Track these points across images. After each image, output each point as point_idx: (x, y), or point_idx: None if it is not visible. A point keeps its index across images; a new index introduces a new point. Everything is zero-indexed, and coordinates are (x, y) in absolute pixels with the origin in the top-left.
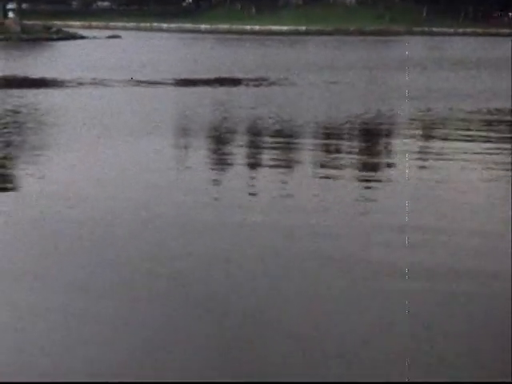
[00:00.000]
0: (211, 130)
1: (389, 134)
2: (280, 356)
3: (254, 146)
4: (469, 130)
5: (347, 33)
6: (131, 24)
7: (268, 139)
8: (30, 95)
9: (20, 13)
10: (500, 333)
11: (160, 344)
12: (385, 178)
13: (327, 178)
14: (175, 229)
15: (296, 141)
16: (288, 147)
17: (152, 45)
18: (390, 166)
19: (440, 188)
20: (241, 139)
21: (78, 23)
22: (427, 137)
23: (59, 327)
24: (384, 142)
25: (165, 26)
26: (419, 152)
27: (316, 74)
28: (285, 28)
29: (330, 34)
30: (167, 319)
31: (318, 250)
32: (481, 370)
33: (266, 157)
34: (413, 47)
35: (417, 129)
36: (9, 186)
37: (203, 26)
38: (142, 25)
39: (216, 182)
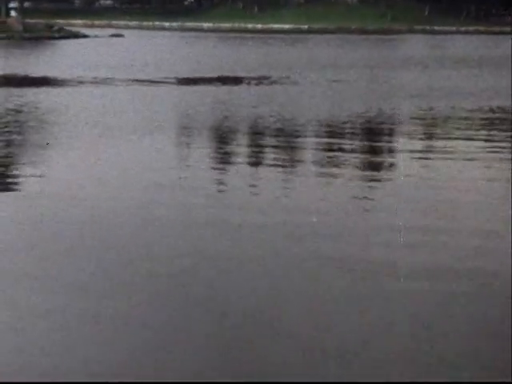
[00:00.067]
0: (213, 129)
1: (390, 133)
2: (280, 356)
3: (256, 145)
4: (470, 128)
5: (349, 31)
6: (134, 23)
7: (269, 138)
8: (31, 94)
9: (22, 11)
10: (500, 333)
11: (160, 344)
12: (386, 177)
13: (328, 177)
14: (175, 228)
15: (297, 140)
16: (289, 146)
17: (154, 43)
18: (390, 164)
19: (441, 187)
20: (242, 138)
21: (80, 22)
22: (428, 135)
23: (59, 327)
24: (385, 141)
25: (167, 24)
26: (420, 151)
27: (318, 73)
28: (287, 26)
29: (331, 32)
30: (167, 319)
31: (318, 249)
32: (481, 370)
33: (268, 156)
34: (415, 46)
35: (418, 127)
36: (10, 185)
37: (205, 25)
38: (145, 23)
39: (217, 182)
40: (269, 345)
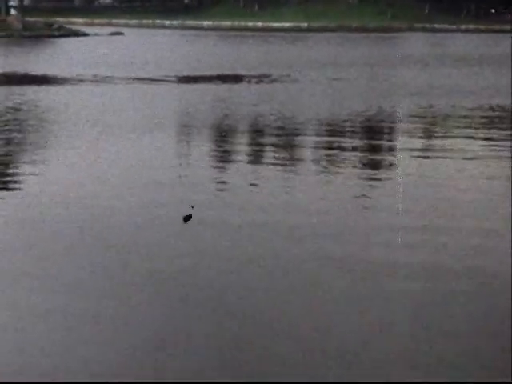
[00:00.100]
0: (213, 127)
1: (390, 131)
2: (280, 356)
3: (256, 144)
4: (470, 126)
5: (349, 29)
6: (134, 21)
7: (269, 136)
8: (31, 92)
9: (22, 10)
10: (500, 333)
11: (160, 344)
12: (385, 175)
13: (328, 175)
14: (175, 228)
15: (297, 138)
16: (289, 144)
17: (154, 42)
18: (390, 163)
19: (440, 185)
20: (242, 136)
21: (80, 20)
22: (428, 133)
23: (59, 327)
24: (385, 139)
25: (167, 22)
26: (420, 149)
27: (318, 71)
28: (287, 25)
29: (331, 30)
30: (167, 319)
31: (318, 249)
32: (481, 370)
33: (268, 154)
34: (415, 44)
35: (418, 125)
36: (9, 184)
37: (206, 23)
38: (145, 22)
39: (217, 180)
40: (269, 345)
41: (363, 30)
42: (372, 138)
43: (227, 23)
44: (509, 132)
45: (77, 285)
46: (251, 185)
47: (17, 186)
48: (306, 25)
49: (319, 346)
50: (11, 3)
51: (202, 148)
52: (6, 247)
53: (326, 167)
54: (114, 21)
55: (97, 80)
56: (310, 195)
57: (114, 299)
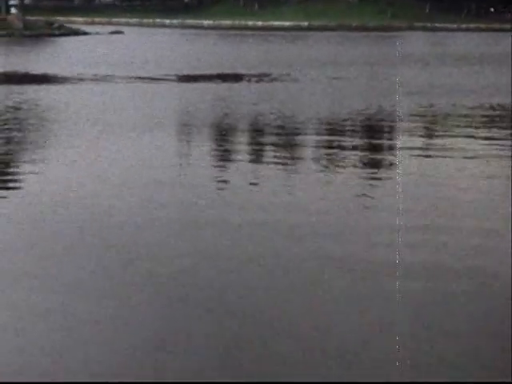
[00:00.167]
0: (213, 126)
1: (391, 130)
2: (280, 356)
3: (256, 143)
4: (471, 126)
5: (349, 28)
6: (134, 20)
7: (270, 135)
8: (31, 91)
9: (22, 8)
10: (500, 333)
11: (160, 344)
12: (386, 175)
13: (328, 175)
14: (176, 228)
15: (298, 137)
16: (290, 144)
17: (155, 41)
18: (391, 162)
19: (441, 184)
20: (242, 135)
21: (80, 19)
22: (429, 133)
23: (59, 327)
24: (386, 138)
25: (167, 21)
26: (420, 148)
27: (318, 70)
28: (287, 24)
29: (332, 29)
30: (167, 319)
31: (319, 249)
32: (481, 370)
33: (268, 153)
34: (415, 43)
35: (419, 124)
36: (9, 183)
37: (206, 22)
38: (145, 21)
39: (217, 179)
40: (269, 345)
41: (363, 28)
42: (372, 137)
43: (227, 22)
44: (509, 131)
45: (77, 284)
46: (251, 184)
47: (17, 185)
48: (306, 24)
49: (319, 345)
50: (12, 2)
51: (202, 147)
52: (6, 246)
53: (326, 166)
54: (115, 20)
55: (97, 79)
56: (310, 194)
57: (114, 299)
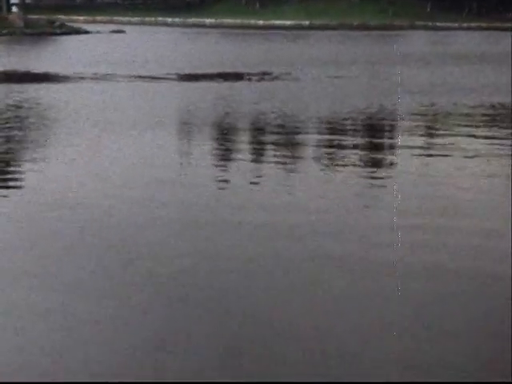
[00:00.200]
0: (214, 126)
1: (392, 129)
2: (280, 356)
3: (257, 142)
4: (472, 125)
5: (351, 27)
6: (135, 19)
7: (270, 135)
8: (32, 90)
9: (24, 7)
10: (500, 333)
11: (160, 344)
12: (387, 174)
13: (329, 174)
14: (176, 228)
15: (298, 136)
16: (291, 143)
17: (156, 39)
18: (391, 162)
19: (441, 184)
20: (243, 134)
21: (81, 18)
22: (430, 132)
23: (59, 327)
24: (387, 137)
25: (169, 20)
26: (421, 147)
27: (319, 69)
28: (288, 22)
29: (333, 28)
30: (167, 319)
31: (318, 249)
32: (481, 370)
33: (269, 152)
34: (416, 42)
35: (420, 123)
36: (10, 182)
37: (207, 21)
38: (147, 19)
39: (218, 179)
40: (269, 345)
41: (364, 27)
42: (373, 136)
43: (229, 21)
44: (510, 130)
45: (76, 284)
46: (252, 183)
47: (17, 183)
48: (307, 22)
49: (319, 345)
50: (13, 1)
51: (203, 146)
52: (6, 246)
53: (326, 165)
54: (116, 18)
55: (98, 78)
56: (310, 194)
57: (114, 299)
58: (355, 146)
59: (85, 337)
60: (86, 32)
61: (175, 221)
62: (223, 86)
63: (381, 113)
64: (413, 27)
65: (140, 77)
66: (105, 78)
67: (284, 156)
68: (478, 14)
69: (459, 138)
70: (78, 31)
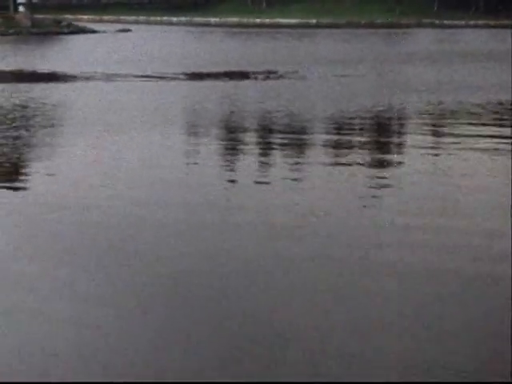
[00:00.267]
0: (219, 125)
1: (398, 128)
2: (280, 356)
3: (262, 142)
4: (478, 123)
5: (358, 26)
6: (141, 18)
7: (276, 134)
8: (38, 89)
9: (30, 7)
10: (500, 333)
11: (160, 344)
12: (390, 174)
13: (335, 174)
14: (177, 228)
15: (304, 136)
16: (296, 143)
17: (162, 38)
18: (396, 161)
19: (448, 184)
20: (249, 134)
21: (88, 17)
22: (437, 130)
23: (59, 327)
24: (393, 136)
25: (175, 19)
26: (428, 146)
27: (326, 67)
28: (295, 21)
29: (340, 27)
30: (167, 319)
31: (319, 249)
32: (481, 370)
33: (274, 152)
34: (423, 40)
35: (427, 122)
36: (12, 182)
37: (213, 20)
38: (152, 18)
39: (222, 179)
40: (269, 345)
41: (371, 26)
42: (380, 135)
43: (235, 20)
44: None
45: (76, 284)
46: (256, 183)
47: (22, 185)
48: (314, 21)
49: (319, 345)
50: (20, 0)
51: (209, 146)
52: (6, 247)
53: (331, 165)
54: (122, 17)
55: (105, 77)
56: (314, 194)
57: (114, 299)
58: (362, 146)
59: (85, 337)
60: (93, 31)
61: (176, 222)
62: (229, 85)
63: (388, 111)
64: (420, 25)
65: (146, 76)
66: (111, 77)
67: (290, 155)
68: (485, 12)
69: (466, 137)
70: (84, 30)
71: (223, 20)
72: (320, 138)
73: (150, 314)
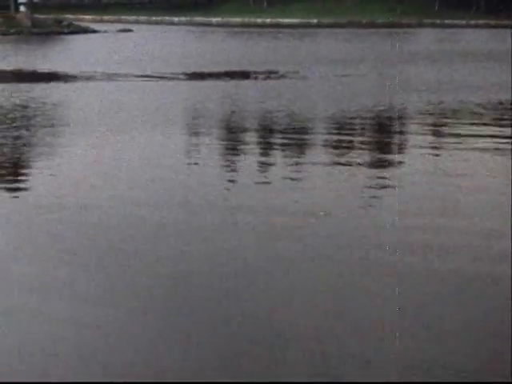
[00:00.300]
0: (220, 125)
1: (399, 128)
2: (280, 356)
3: (262, 141)
4: (479, 123)
5: (359, 25)
6: (143, 18)
7: (277, 134)
8: (39, 89)
9: (31, 6)
10: (500, 333)
11: (160, 344)
12: (391, 174)
13: (336, 174)
14: (177, 228)
15: (305, 135)
16: (297, 143)
17: (163, 38)
18: (397, 161)
19: (448, 184)
20: (249, 134)
21: (89, 17)
22: (437, 130)
23: (60, 327)
24: (393, 136)
25: (176, 19)
26: (429, 146)
27: (327, 67)
28: (296, 21)
29: (341, 26)
30: (167, 319)
31: (319, 249)
32: (481, 370)
33: (275, 152)
34: (424, 40)
35: (427, 121)
36: (15, 182)
37: (214, 20)
38: (154, 18)
39: (223, 179)
40: (268, 345)
41: (372, 25)
42: (380, 134)
43: (236, 19)
44: None
45: (76, 284)
46: (256, 183)
47: (22, 185)
48: (315, 21)
49: (319, 346)
50: (21, 0)
51: (209, 146)
52: (6, 248)
53: (332, 164)
54: (123, 17)
55: (106, 77)
56: (314, 194)
57: (114, 299)
58: (362, 146)
59: (85, 337)
60: (94, 31)
61: (177, 221)
62: (230, 85)
63: (388, 111)
64: (421, 25)
65: (147, 76)
66: (112, 77)
67: (290, 155)
68: (486, 12)
69: (465, 137)
70: (85, 30)
71: (224, 20)
72: (321, 137)
73: (149, 314)
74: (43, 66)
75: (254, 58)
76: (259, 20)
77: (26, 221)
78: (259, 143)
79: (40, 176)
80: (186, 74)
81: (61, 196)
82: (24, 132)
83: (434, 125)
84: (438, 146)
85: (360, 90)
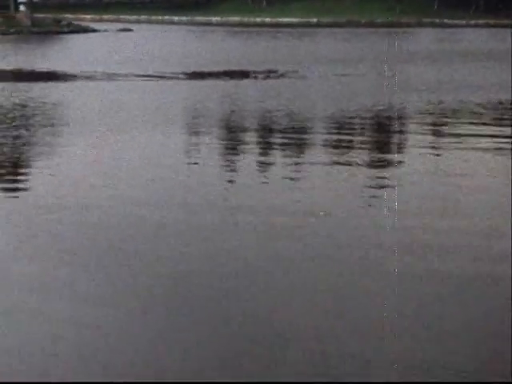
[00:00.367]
0: (220, 124)
1: (399, 127)
2: (280, 356)
3: (262, 141)
4: (479, 122)
5: (358, 25)
6: (142, 17)
7: (276, 133)
8: (38, 89)
9: (31, 6)
10: (500, 333)
11: (160, 344)
12: (391, 174)
13: (335, 174)
14: (177, 228)
15: (304, 135)
16: (296, 142)
17: (163, 38)
18: (396, 160)
19: (448, 184)
20: (249, 134)
21: (88, 16)
22: (437, 129)
23: (60, 327)
24: (393, 136)
25: (176, 18)
26: (428, 146)
27: (326, 67)
28: (295, 20)
29: (340, 26)
30: (167, 319)
31: (319, 249)
32: (481, 370)
33: (274, 152)
34: (424, 39)
35: (428, 121)
36: (15, 182)
37: (214, 19)
38: (154, 18)
39: (222, 179)
40: (268, 345)
41: (372, 25)
42: (380, 134)
43: (235, 19)
44: None
45: (76, 284)
46: (256, 183)
47: (21, 184)
48: (315, 20)
49: (319, 345)
50: (20, 0)
51: (209, 145)
52: (6, 248)
53: (331, 164)
54: (123, 17)
55: (105, 76)
56: (314, 193)
57: (114, 299)
58: (362, 145)
59: (85, 337)
60: (94, 30)
61: (177, 221)
62: (229, 84)
63: (388, 111)
64: (420, 24)
65: (147, 75)
66: (112, 76)
67: (290, 155)
68: (485, 11)
69: (465, 137)
70: (85, 30)
71: (224, 19)
72: (320, 137)
73: (149, 314)
74: (43, 66)
75: (254, 57)
76: (258, 19)
77: (25, 221)
78: (259, 143)
79: (40, 176)
80: (186, 74)
81: (61, 196)
82: (24, 131)
83: (434, 124)
84: (437, 145)
85: (359, 89)
